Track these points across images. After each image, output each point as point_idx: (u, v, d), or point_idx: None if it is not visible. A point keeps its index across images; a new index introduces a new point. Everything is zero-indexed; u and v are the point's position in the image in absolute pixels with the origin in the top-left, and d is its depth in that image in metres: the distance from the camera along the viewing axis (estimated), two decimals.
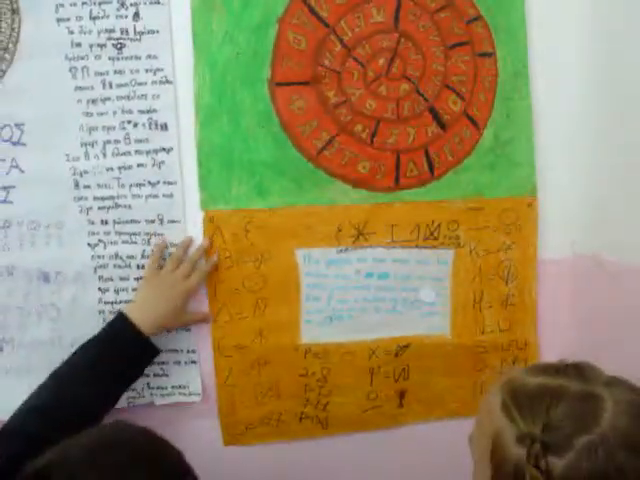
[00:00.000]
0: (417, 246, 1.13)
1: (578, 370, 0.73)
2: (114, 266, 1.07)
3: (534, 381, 0.72)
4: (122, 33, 1.03)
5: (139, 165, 1.05)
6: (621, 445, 0.64)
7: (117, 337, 0.99)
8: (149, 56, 1.04)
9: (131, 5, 1.03)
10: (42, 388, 0.95)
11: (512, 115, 1.12)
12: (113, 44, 1.03)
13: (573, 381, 0.71)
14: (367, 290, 1.12)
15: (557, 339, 1.17)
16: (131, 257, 1.07)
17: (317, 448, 1.16)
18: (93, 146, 1.05)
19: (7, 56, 1.01)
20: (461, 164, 1.12)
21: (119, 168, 1.05)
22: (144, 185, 1.06)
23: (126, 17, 1.03)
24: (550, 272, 1.17)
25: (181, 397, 1.10)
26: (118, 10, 1.03)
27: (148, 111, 1.05)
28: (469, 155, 1.12)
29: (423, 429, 1.19)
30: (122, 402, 1.05)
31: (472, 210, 1.13)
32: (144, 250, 1.07)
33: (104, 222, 1.06)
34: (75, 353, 0.98)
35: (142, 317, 0.99)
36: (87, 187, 1.06)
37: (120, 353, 0.98)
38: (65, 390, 0.94)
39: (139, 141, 1.05)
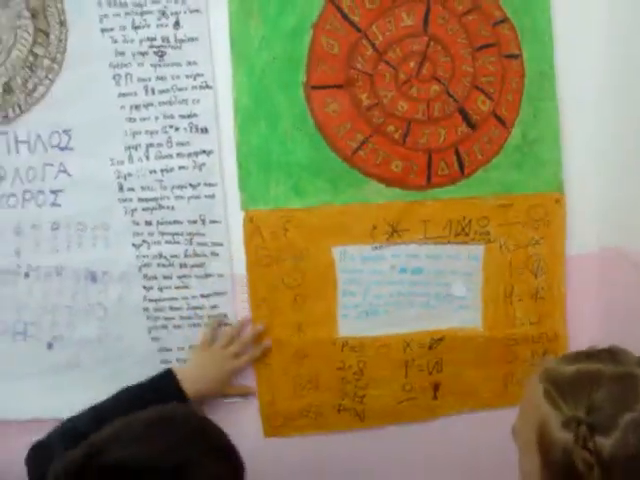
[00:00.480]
0: (449, 242, 1.18)
1: (610, 354, 0.78)
2: (158, 265, 1.13)
3: (571, 368, 0.76)
4: (163, 41, 1.09)
5: (181, 167, 1.11)
6: None
7: (160, 390, 1.05)
8: (189, 62, 1.10)
9: (172, 14, 1.09)
10: (81, 414, 1.01)
11: (539, 115, 1.17)
12: (155, 52, 1.09)
13: (608, 364, 0.75)
14: (401, 285, 1.18)
15: (585, 331, 1.22)
16: (174, 256, 1.13)
17: (354, 440, 1.21)
18: (137, 150, 1.11)
19: (55, 66, 1.08)
20: (490, 162, 1.17)
21: (162, 171, 1.11)
22: (186, 187, 1.11)
23: (167, 26, 1.09)
24: (577, 266, 1.22)
25: None
26: (159, 19, 1.09)
27: (189, 115, 1.11)
28: (498, 154, 1.17)
29: (457, 420, 1.24)
30: None
31: (502, 207, 1.18)
32: (186, 249, 1.13)
33: (148, 223, 1.12)
34: (118, 393, 1.04)
35: (188, 381, 1.06)
36: (131, 189, 1.11)
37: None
38: (103, 421, 0.99)
39: (180, 144, 1.11)
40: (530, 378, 0.81)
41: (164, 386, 1.05)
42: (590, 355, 0.79)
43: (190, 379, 1.07)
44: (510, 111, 1.17)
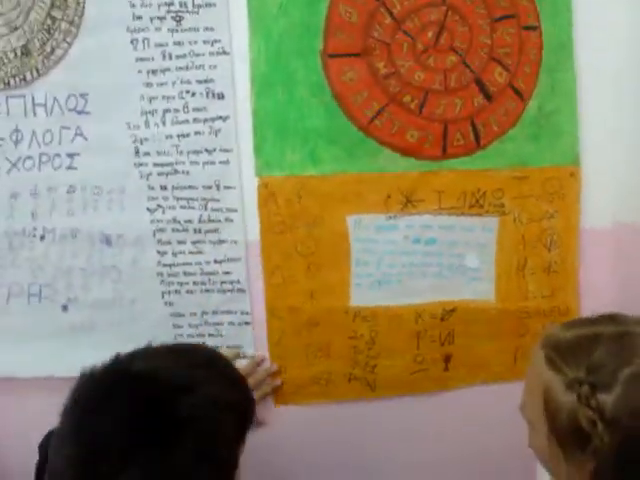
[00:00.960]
0: (463, 213, 1.21)
1: (609, 317, 0.82)
2: (172, 230, 1.17)
3: (571, 333, 0.80)
4: (181, 6, 1.13)
5: (197, 133, 1.15)
6: None
7: None
8: (207, 28, 1.13)
9: None
10: None
11: (556, 87, 1.20)
12: (172, 17, 1.13)
13: (607, 326, 0.79)
14: (414, 255, 1.22)
15: (597, 306, 1.18)
16: (188, 221, 1.17)
17: (365, 409, 1.25)
18: (153, 115, 1.14)
19: (73, 29, 1.11)
20: (506, 134, 1.20)
21: (178, 136, 1.15)
22: (201, 152, 1.15)
23: None
24: (591, 240, 1.25)
25: None
26: None
27: (206, 81, 1.14)
28: (514, 126, 1.20)
29: (468, 393, 1.27)
30: None
31: (516, 179, 1.21)
32: (201, 215, 1.17)
33: (163, 188, 1.16)
34: None
35: None
36: (147, 154, 1.15)
37: None
38: None
39: (197, 110, 1.14)
40: (533, 348, 0.85)
41: None
42: (590, 320, 0.83)
43: None
44: (527, 83, 1.19)
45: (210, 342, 1.19)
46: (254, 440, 0.95)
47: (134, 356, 0.80)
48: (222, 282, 1.18)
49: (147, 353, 0.82)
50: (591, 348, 0.75)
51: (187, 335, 1.19)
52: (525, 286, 1.24)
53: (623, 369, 0.72)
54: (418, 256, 1.21)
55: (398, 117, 1.16)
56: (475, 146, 1.19)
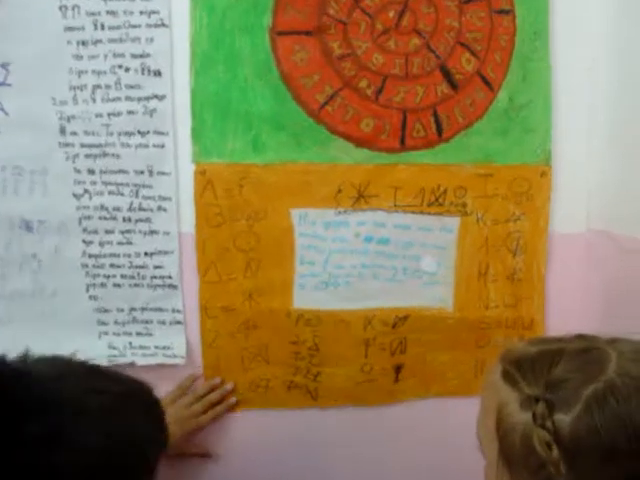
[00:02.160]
0: (421, 212, 1.24)
1: (579, 335, 0.83)
2: (99, 218, 1.20)
3: (534, 348, 0.81)
4: None
5: (129, 112, 1.17)
6: (632, 389, 0.69)
7: None
8: None
9: None
10: None
11: (529, 77, 1.23)
12: None
13: (573, 342, 0.80)
14: (365, 256, 1.24)
15: (565, 318, 1.29)
16: (117, 209, 1.19)
17: (308, 419, 1.29)
18: (82, 90, 1.16)
19: None
20: (472, 127, 1.23)
21: (108, 115, 1.17)
22: (134, 134, 1.17)
23: None
24: (561, 246, 1.28)
25: (164, 358, 1.23)
26: None
27: (141, 55, 1.16)
28: (481, 118, 1.23)
29: (420, 406, 1.30)
30: (102, 360, 1.18)
31: (481, 176, 1.24)
32: (131, 202, 1.19)
33: (91, 171, 1.18)
34: None
35: None
36: (74, 133, 1.17)
37: None
38: None
39: (130, 87, 1.16)
40: (492, 362, 0.86)
41: None
42: (557, 338, 0.84)
43: None
44: (497, 72, 1.22)
45: (138, 341, 1.22)
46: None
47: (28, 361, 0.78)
48: (152, 277, 1.20)
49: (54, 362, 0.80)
50: (552, 363, 0.74)
51: (113, 333, 1.22)
52: (486, 294, 1.27)
53: (586, 386, 0.70)
54: (369, 256, 1.23)
55: (352, 103, 1.19)
56: (437, 139, 1.21)
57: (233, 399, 1.24)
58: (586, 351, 0.75)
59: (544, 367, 0.74)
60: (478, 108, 1.21)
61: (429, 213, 1.23)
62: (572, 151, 1.24)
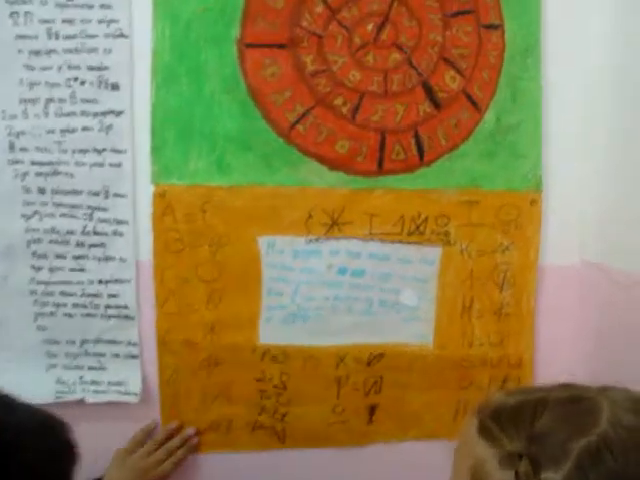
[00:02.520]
0: (400, 241, 1.20)
1: (563, 384, 0.77)
2: (50, 241, 1.15)
3: (514, 399, 0.75)
4: None
5: (84, 128, 1.12)
6: (629, 443, 0.64)
7: None
8: (102, 5, 1.10)
9: None
10: None
11: (518, 97, 1.19)
12: None
13: (557, 391, 0.74)
14: (339, 288, 1.20)
15: (556, 356, 1.25)
16: (70, 232, 1.15)
17: (274, 462, 1.24)
18: (33, 104, 1.12)
19: None
20: (456, 150, 1.19)
21: (62, 131, 1.12)
22: (89, 151, 1.13)
23: None
24: (552, 280, 1.24)
25: (117, 396, 1.18)
26: None
27: (98, 68, 1.11)
28: (466, 140, 1.19)
29: (395, 450, 1.26)
30: (49, 396, 1.15)
31: (466, 203, 1.20)
32: (85, 226, 1.15)
33: (41, 191, 1.14)
34: None
35: None
36: (24, 150, 1.13)
37: None
38: None
39: (86, 101, 1.12)
40: (464, 423, 0.79)
41: None
42: (540, 387, 0.78)
43: None
44: (484, 91, 1.18)
45: (90, 376, 1.17)
46: None
47: None
48: (107, 306, 1.16)
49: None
50: (535, 414, 0.69)
51: (62, 366, 1.17)
52: (470, 331, 1.23)
53: (576, 440, 0.64)
54: (343, 289, 1.19)
55: (326, 123, 1.14)
56: (418, 162, 1.17)
57: (195, 440, 1.19)
58: (573, 401, 0.70)
59: (526, 419, 0.69)
60: (463, 129, 1.17)
61: (409, 242, 1.19)
62: (564, 177, 1.21)
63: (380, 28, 1.13)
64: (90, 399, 1.16)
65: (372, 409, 1.23)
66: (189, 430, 1.19)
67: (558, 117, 1.19)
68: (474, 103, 1.16)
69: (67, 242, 1.13)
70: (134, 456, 1.15)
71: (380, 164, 1.16)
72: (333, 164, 1.15)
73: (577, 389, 0.73)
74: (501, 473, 0.66)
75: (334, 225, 1.17)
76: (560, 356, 1.23)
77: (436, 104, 1.15)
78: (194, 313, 1.16)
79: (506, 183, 1.19)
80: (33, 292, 1.14)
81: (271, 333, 1.18)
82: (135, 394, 1.17)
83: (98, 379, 1.17)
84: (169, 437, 1.18)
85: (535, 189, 1.20)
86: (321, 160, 1.15)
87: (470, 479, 0.70)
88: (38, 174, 1.12)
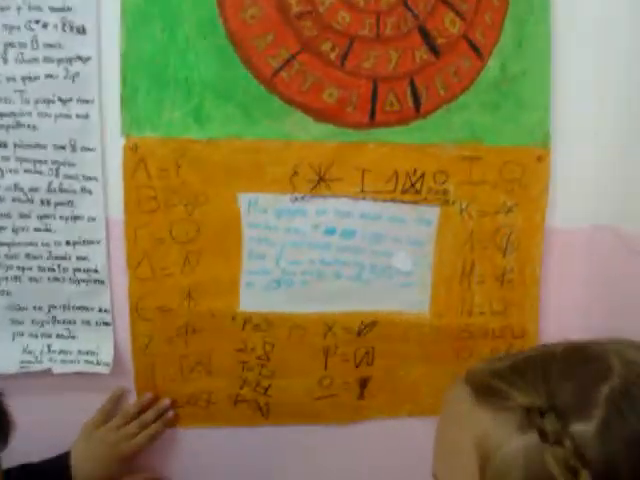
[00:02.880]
0: (393, 200, 1.15)
1: (556, 343, 0.71)
2: (13, 200, 1.10)
3: (510, 360, 0.68)
4: None
5: (48, 76, 1.07)
6: None
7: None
8: None
9: None
10: None
11: (525, 43, 1.13)
12: None
13: (555, 346, 0.68)
14: (326, 250, 1.16)
15: (564, 328, 1.19)
16: (34, 190, 1.10)
17: (257, 439, 1.20)
18: None
19: None
20: (456, 100, 1.13)
21: (23, 78, 1.06)
22: (53, 102, 1.07)
23: None
24: (560, 244, 1.20)
25: (87, 366, 1.14)
26: None
27: (62, 9, 1.05)
28: (467, 90, 1.13)
29: (389, 427, 1.22)
30: (13, 366, 1.11)
31: (466, 159, 1.15)
32: (50, 182, 1.10)
33: (2, 145, 1.08)
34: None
35: (80, 468, 1.08)
36: None
37: None
38: None
39: (49, 46, 1.06)
40: (446, 394, 0.73)
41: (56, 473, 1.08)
42: (525, 350, 0.72)
43: (81, 466, 1.09)
44: (487, 36, 1.12)
45: (58, 345, 1.13)
46: None
47: None
48: (76, 270, 1.11)
49: None
50: (546, 368, 0.63)
51: (29, 334, 1.12)
52: (470, 298, 1.19)
53: (598, 386, 0.60)
54: (331, 251, 1.15)
55: (313, 70, 1.09)
56: (414, 113, 1.12)
57: (171, 412, 1.15)
58: (580, 349, 0.66)
59: (538, 372, 0.63)
60: (464, 78, 1.11)
61: (403, 201, 1.14)
62: (575, 131, 1.15)
63: None
64: (58, 369, 1.12)
65: (363, 382, 1.19)
66: (165, 401, 1.14)
67: (568, 64, 1.13)
68: (476, 49, 1.10)
69: (31, 200, 1.08)
70: (102, 430, 1.11)
71: (372, 115, 1.11)
72: (320, 115, 1.10)
73: (574, 342, 0.68)
74: (518, 439, 0.60)
75: (321, 182, 1.12)
76: (567, 326, 1.18)
77: (434, 50, 1.09)
78: (169, 277, 1.12)
79: (510, 137, 1.14)
80: None
81: (253, 299, 1.14)
82: (107, 364, 1.12)
83: (67, 348, 1.13)
84: (143, 410, 1.14)
85: (542, 144, 1.15)
86: (307, 111, 1.09)
87: (478, 456, 0.63)
88: None
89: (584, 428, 0.57)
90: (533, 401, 0.60)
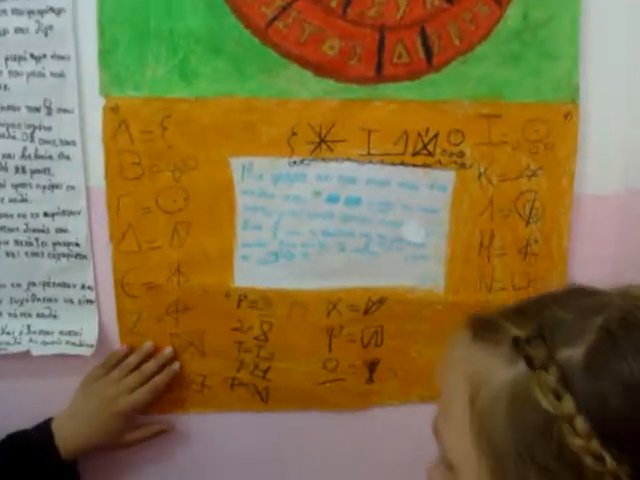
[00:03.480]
0: (403, 163, 1.08)
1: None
2: None
3: (512, 305, 0.66)
4: None
5: (18, 30, 0.99)
6: None
7: (33, 449, 1.02)
8: None
9: None
10: None
11: None
12: None
13: (559, 291, 0.66)
14: (329, 220, 1.09)
15: None
16: (7, 156, 1.03)
17: (256, 426, 1.15)
18: None
19: None
20: (472, 52, 1.05)
21: None
22: (25, 59, 1.00)
23: None
24: (590, 212, 1.13)
25: (69, 347, 1.08)
26: None
27: None
28: (485, 40, 1.05)
29: (399, 413, 1.17)
30: None
31: (484, 117, 1.08)
32: (25, 148, 1.02)
33: None
34: None
35: (68, 434, 1.02)
36: None
37: (31, 469, 1.01)
38: None
39: None
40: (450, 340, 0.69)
41: (37, 443, 1.02)
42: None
43: (70, 432, 1.03)
44: None
45: (39, 325, 1.06)
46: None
47: None
48: (55, 243, 1.05)
49: None
50: (544, 302, 0.63)
51: (7, 314, 1.06)
52: (490, 272, 1.12)
53: (593, 317, 0.57)
54: (335, 221, 1.08)
55: (311, 19, 1.00)
56: (425, 66, 1.04)
57: (177, 365, 1.08)
58: (578, 289, 0.64)
59: (534, 309, 0.62)
60: (481, 26, 1.03)
61: (414, 165, 1.07)
62: (607, 85, 1.08)
63: None
64: (37, 351, 1.05)
65: (372, 365, 1.14)
66: (167, 350, 1.08)
67: (600, 9, 1.04)
68: None
69: (4, 168, 1.01)
70: (100, 382, 1.05)
71: (379, 69, 1.03)
72: (320, 69, 1.02)
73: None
74: (507, 370, 0.58)
75: (323, 143, 1.05)
76: None
77: None
78: (156, 251, 1.05)
79: (534, 92, 1.06)
80: None
81: (248, 274, 1.08)
82: (90, 345, 1.06)
83: (48, 328, 1.07)
84: (142, 362, 1.08)
85: (570, 100, 1.07)
86: (305, 64, 1.02)
87: (469, 393, 0.60)
88: None
89: (571, 353, 0.55)
90: (523, 332, 0.59)
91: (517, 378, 0.57)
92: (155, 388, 1.07)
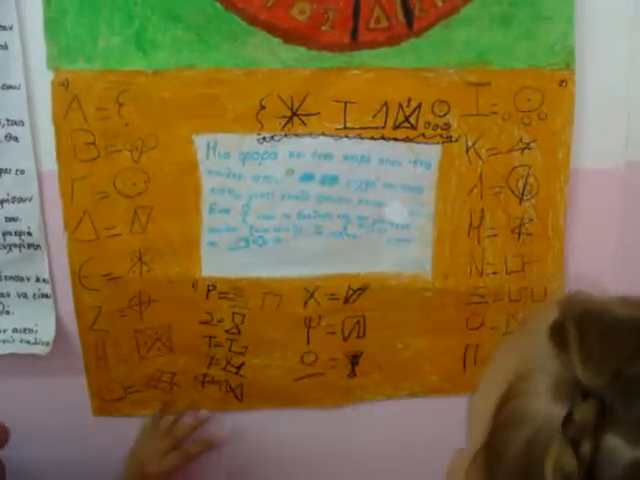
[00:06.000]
0: (383, 137, 1.04)
1: None
2: None
3: (625, 310, 0.56)
4: None
5: None
6: None
7: None
8: None
9: None
10: None
11: None
12: None
13: None
14: (304, 201, 1.06)
15: (592, 289, 1.03)
16: None
17: (230, 425, 1.13)
18: None
19: None
20: (457, 14, 1.01)
21: None
22: None
23: None
24: (589, 187, 1.09)
25: (22, 346, 1.05)
26: None
27: None
28: (470, 0, 1.00)
29: (385, 410, 1.14)
30: None
31: (472, 86, 1.04)
32: None
33: None
34: None
35: None
36: None
37: None
38: None
39: None
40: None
41: None
42: None
43: None
44: None
45: None
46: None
47: None
48: (5, 233, 1.02)
49: None
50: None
51: None
52: (481, 255, 1.09)
53: None
54: (310, 202, 1.05)
55: None
56: (405, 31, 1.00)
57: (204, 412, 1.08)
58: None
59: (626, 345, 0.51)
60: None
61: (395, 139, 1.04)
62: (605, 49, 1.04)
63: None
64: None
65: (354, 358, 1.11)
66: (203, 412, 1.08)
67: None
68: None
69: None
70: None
71: (354, 35, 0.99)
72: (290, 36, 0.99)
73: None
74: (547, 402, 0.49)
75: (295, 117, 1.02)
76: (598, 285, 1.06)
77: None
78: (116, 238, 1.03)
79: (526, 58, 1.02)
80: None
81: (217, 262, 1.05)
82: (46, 343, 1.04)
83: (3, 326, 1.04)
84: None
85: (565, 65, 1.03)
86: (274, 31, 0.98)
87: (501, 393, 0.54)
88: None
89: (619, 444, 0.45)
90: (586, 377, 0.48)
91: (548, 417, 0.49)
92: (182, 457, 1.05)
